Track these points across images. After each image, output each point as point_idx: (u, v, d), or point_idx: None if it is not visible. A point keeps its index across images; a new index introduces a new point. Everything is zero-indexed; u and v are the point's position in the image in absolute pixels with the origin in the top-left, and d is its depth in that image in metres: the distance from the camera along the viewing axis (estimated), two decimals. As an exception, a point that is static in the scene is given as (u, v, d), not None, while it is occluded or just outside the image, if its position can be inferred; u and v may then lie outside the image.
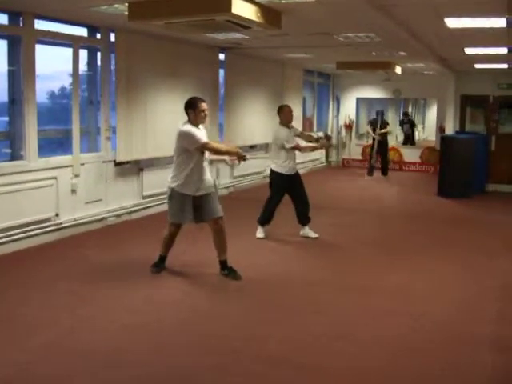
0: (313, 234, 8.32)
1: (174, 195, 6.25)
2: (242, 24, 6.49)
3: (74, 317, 5.26)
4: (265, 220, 8.28)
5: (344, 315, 5.51)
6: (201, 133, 6.14)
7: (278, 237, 8.36)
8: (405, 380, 4.28)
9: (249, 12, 6.06)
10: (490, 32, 7.34)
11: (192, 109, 6.14)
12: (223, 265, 6.43)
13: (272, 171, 8.28)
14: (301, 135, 8.64)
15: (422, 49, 9.51)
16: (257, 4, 6.14)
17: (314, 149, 9.15)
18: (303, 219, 8.31)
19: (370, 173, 15.45)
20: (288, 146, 8.08)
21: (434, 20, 6.81)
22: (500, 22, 6.73)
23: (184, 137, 6.06)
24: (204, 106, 6.19)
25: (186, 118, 6.18)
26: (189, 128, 6.08)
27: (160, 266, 6.56)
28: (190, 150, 6.08)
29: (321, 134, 14.40)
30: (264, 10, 6.28)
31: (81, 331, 4.96)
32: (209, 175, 6.36)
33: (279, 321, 5.34)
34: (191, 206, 6.24)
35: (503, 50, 9.20)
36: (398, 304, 5.83)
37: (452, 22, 6.91)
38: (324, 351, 4.71)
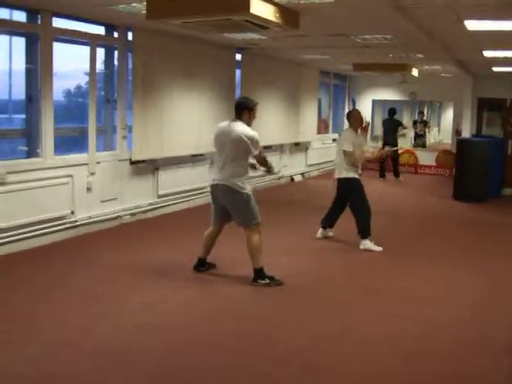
0: (330, 234, 8.41)
1: (249, 197, 6.16)
2: (259, 24, 6.45)
3: (88, 315, 5.26)
4: (368, 231, 7.89)
5: (354, 317, 5.47)
6: None
7: (294, 238, 8.37)
8: (415, 382, 4.24)
9: (267, 12, 6.03)
10: (510, 35, 7.27)
11: (248, 110, 6.18)
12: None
13: (343, 179, 7.91)
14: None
15: (439, 51, 9.46)
16: (275, 4, 6.11)
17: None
18: (331, 222, 8.32)
19: (383, 175, 15.40)
20: (346, 148, 7.77)
21: (453, 22, 6.74)
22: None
23: (253, 140, 6.05)
24: (257, 109, 6.30)
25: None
26: (254, 132, 6.11)
27: (270, 277, 6.27)
28: (251, 153, 6.13)
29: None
30: (282, 10, 6.25)
31: (93, 330, 4.95)
32: None
33: (289, 321, 5.32)
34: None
35: (522, 54, 9.13)
36: (411, 307, 5.79)
37: (472, 25, 6.84)
38: (333, 352, 4.69)
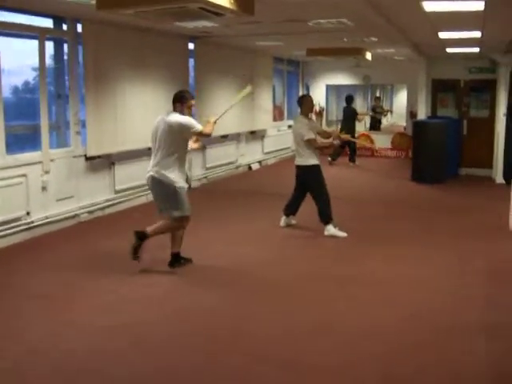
0: (293, 221, 8.37)
1: (181, 189, 6.13)
2: (214, 11, 6.28)
3: (51, 320, 5.07)
4: (329, 216, 7.84)
5: (327, 308, 5.42)
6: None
7: (257, 227, 8.26)
8: (396, 372, 4.18)
9: (222, -2, 5.87)
10: (467, 15, 7.24)
11: (180, 103, 6.18)
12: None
13: (304, 167, 7.89)
14: (320, 133, 8.36)
15: (394, 34, 9.41)
16: (230, -10, 5.94)
17: (328, 147, 9.38)
18: (293, 209, 8.26)
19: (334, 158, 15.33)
20: (306, 137, 7.75)
21: (411, 3, 6.68)
22: (478, 5, 6.62)
23: (183, 125, 6.04)
24: (193, 102, 6.27)
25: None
26: (183, 117, 6.09)
27: (181, 261, 6.41)
28: (186, 139, 6.18)
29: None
30: (237, -4, 6.09)
31: (58, 335, 4.78)
32: None
33: (261, 316, 5.23)
34: None
35: (477, 34, 9.12)
36: (384, 294, 5.75)
37: (429, 6, 6.78)
38: (309, 346, 4.60)
